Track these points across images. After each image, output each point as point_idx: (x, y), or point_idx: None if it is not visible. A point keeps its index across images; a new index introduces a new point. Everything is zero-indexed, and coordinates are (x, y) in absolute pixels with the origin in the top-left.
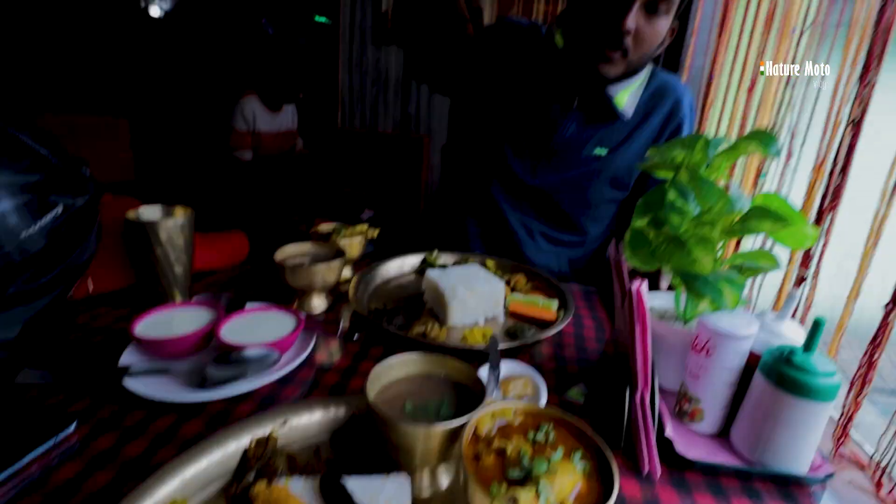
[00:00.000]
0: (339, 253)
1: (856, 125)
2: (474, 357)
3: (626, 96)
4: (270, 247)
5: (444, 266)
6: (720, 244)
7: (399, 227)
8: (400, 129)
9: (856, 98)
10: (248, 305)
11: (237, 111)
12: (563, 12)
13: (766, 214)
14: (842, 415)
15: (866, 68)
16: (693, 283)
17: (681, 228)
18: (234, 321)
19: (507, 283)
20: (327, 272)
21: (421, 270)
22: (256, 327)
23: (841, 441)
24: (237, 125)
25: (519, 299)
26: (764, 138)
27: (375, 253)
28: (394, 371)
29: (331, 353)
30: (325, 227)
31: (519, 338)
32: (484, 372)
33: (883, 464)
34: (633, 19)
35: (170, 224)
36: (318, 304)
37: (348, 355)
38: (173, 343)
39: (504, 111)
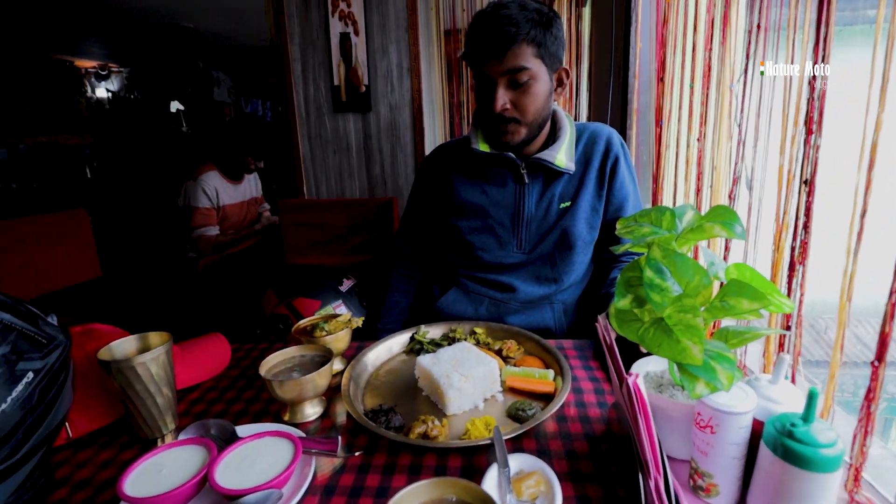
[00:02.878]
0: (326, 354)
1: (809, 184)
2: (481, 450)
3: (563, 155)
4: (251, 341)
5: (433, 344)
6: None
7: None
8: (367, 193)
9: (804, 157)
10: (239, 430)
11: (197, 189)
12: (475, 114)
13: (742, 290)
14: (850, 464)
15: (808, 130)
16: (686, 367)
17: (664, 309)
18: (227, 458)
19: (499, 352)
20: (318, 379)
21: (411, 350)
22: (252, 461)
23: (853, 490)
24: (200, 203)
25: (515, 373)
26: (726, 219)
27: (364, 327)
28: None
29: (334, 472)
30: (305, 322)
31: (521, 420)
32: (493, 472)
33: None
34: (502, 101)
35: (147, 358)
36: (312, 411)
37: (352, 471)
38: (167, 499)
39: (471, 214)
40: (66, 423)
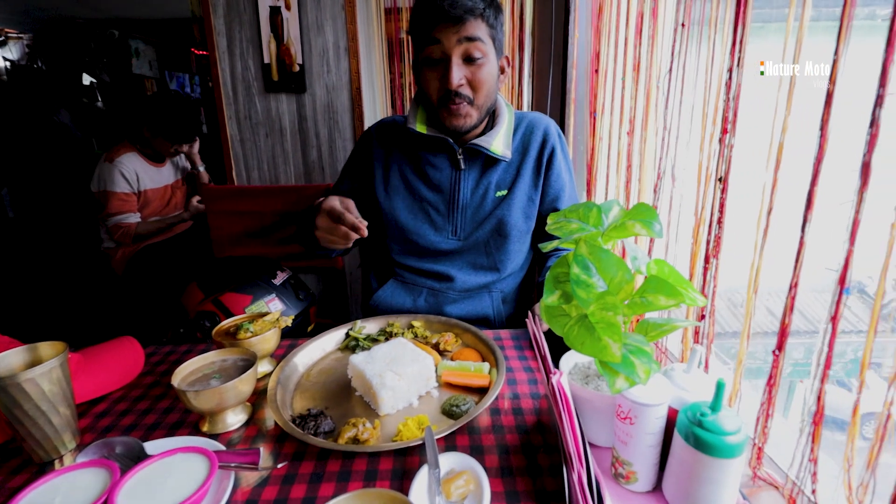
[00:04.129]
0: (250, 357)
1: (723, 181)
2: (413, 450)
3: (499, 142)
4: (172, 342)
5: (369, 340)
6: (625, 323)
7: (320, 284)
8: (304, 179)
9: (719, 155)
10: (149, 446)
11: (113, 172)
12: (417, 93)
13: (660, 286)
14: (754, 442)
15: (723, 130)
16: (607, 364)
17: (589, 305)
18: (132, 480)
19: (436, 345)
20: (240, 386)
21: (346, 346)
22: (161, 482)
23: (756, 467)
24: (117, 188)
25: (450, 368)
26: (646, 217)
27: (301, 323)
28: None
29: (256, 485)
30: (228, 324)
31: (455, 416)
32: (423, 474)
33: (797, 481)
34: (458, 74)
35: (36, 374)
36: (235, 419)
37: (276, 482)
38: None
39: (406, 194)
40: None
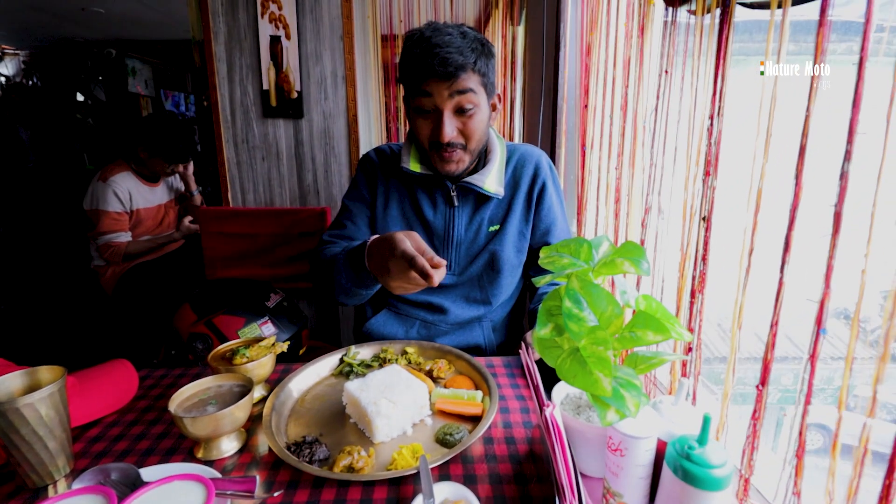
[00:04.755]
0: (246, 384)
1: (706, 220)
2: (408, 479)
3: (492, 180)
4: (164, 364)
5: (363, 366)
6: (614, 357)
7: (313, 307)
8: (298, 202)
9: (702, 196)
10: (145, 473)
11: (107, 191)
12: (409, 132)
13: (647, 322)
14: (741, 474)
15: (706, 172)
16: (598, 396)
17: (581, 338)
18: None
19: (430, 372)
20: (237, 413)
21: (340, 372)
22: None
23: (743, 499)
24: (110, 207)
25: (444, 395)
26: (634, 255)
27: (293, 346)
28: None
29: None
30: (223, 348)
31: (449, 445)
32: (418, 502)
33: None
34: (449, 128)
35: (35, 399)
36: (229, 446)
37: None
38: None
39: (403, 228)
40: None
